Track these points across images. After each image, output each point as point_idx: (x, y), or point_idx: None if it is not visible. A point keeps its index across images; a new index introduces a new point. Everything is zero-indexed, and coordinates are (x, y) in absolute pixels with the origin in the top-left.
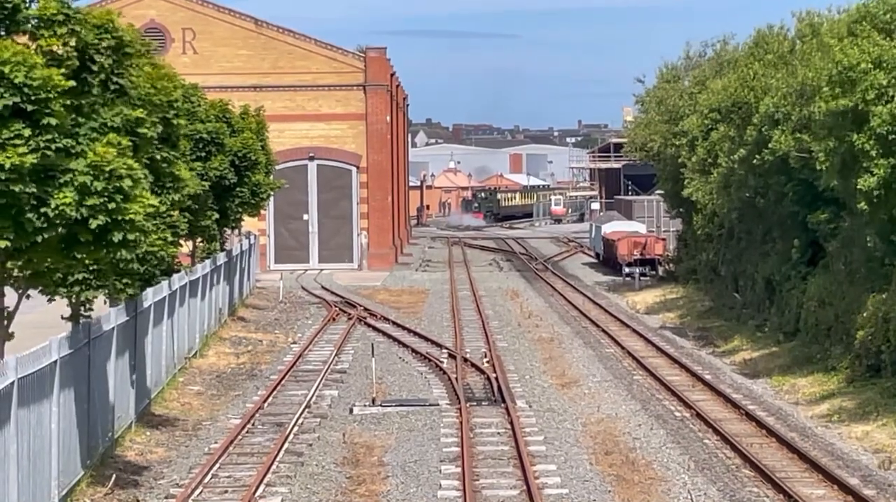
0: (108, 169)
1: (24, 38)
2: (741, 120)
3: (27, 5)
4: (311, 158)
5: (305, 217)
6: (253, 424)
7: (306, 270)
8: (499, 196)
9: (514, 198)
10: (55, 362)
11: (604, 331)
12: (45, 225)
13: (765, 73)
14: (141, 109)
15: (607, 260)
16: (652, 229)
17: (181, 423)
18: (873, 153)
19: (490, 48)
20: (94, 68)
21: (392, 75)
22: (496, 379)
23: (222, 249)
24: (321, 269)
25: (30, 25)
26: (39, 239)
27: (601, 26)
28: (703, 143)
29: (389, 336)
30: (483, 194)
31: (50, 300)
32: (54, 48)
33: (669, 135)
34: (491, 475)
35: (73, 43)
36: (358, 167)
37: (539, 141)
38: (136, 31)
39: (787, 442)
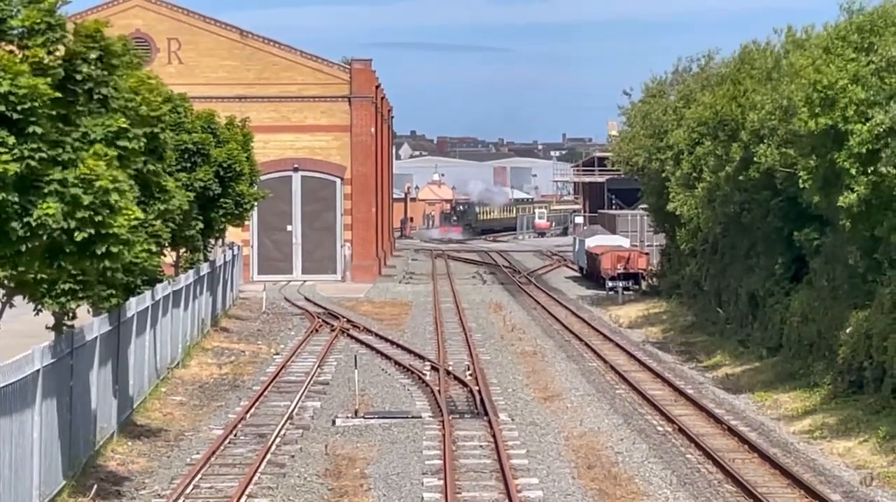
0: (97, 184)
1: (9, 47)
2: (727, 136)
3: (13, 14)
4: (296, 169)
5: (289, 228)
6: (235, 435)
7: (289, 281)
8: (477, 209)
9: (493, 211)
10: (38, 371)
11: (587, 344)
12: (28, 234)
13: (754, 88)
14: (124, 119)
15: (591, 274)
16: (635, 243)
17: (163, 434)
18: (853, 171)
19: (475, 61)
20: (80, 78)
21: (377, 87)
22: (479, 391)
23: (206, 260)
24: (304, 281)
25: (15, 34)
26: (23, 248)
27: (587, 41)
28: (689, 157)
29: (372, 348)
30: (461, 207)
31: (36, 310)
32: (41, 57)
33: (654, 150)
34: (473, 488)
35: (59, 52)
36: (342, 179)
37: (523, 154)
38: (126, 41)
39: (770, 458)
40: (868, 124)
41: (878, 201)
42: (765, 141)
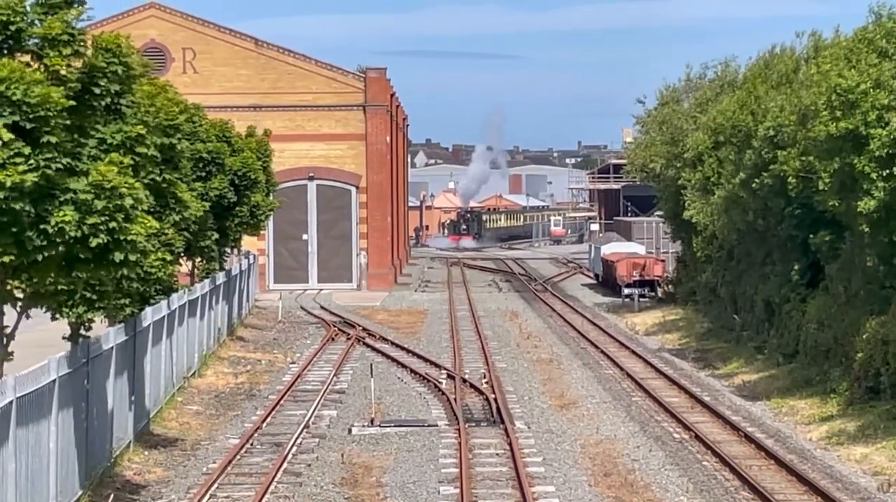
0: (108, 187)
1: (26, 58)
2: (741, 143)
3: (30, 23)
4: (311, 178)
5: (305, 237)
6: (251, 444)
7: (305, 290)
8: (483, 218)
9: (499, 219)
10: (54, 381)
11: (603, 352)
12: (44, 243)
13: (767, 95)
14: (142, 126)
15: (606, 281)
16: (651, 250)
17: (180, 443)
18: (873, 175)
19: (490, 69)
20: (99, 91)
21: (392, 95)
22: (495, 399)
23: (221, 269)
24: (320, 289)
25: (34, 45)
26: (40, 257)
27: (601, 47)
28: (709, 161)
29: (388, 356)
30: (468, 215)
31: (53, 318)
32: (58, 69)
33: (671, 157)
34: (489, 496)
35: (77, 64)
36: (357, 187)
37: (539, 161)
38: (136, 51)
39: (786, 465)
40: (887, 128)
41: None
42: (785, 149)
